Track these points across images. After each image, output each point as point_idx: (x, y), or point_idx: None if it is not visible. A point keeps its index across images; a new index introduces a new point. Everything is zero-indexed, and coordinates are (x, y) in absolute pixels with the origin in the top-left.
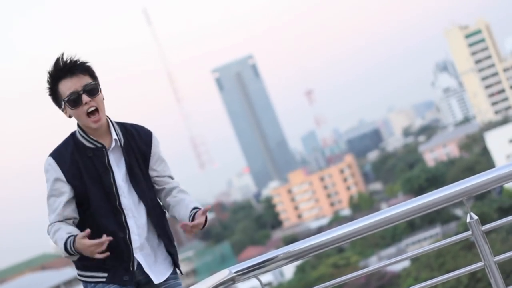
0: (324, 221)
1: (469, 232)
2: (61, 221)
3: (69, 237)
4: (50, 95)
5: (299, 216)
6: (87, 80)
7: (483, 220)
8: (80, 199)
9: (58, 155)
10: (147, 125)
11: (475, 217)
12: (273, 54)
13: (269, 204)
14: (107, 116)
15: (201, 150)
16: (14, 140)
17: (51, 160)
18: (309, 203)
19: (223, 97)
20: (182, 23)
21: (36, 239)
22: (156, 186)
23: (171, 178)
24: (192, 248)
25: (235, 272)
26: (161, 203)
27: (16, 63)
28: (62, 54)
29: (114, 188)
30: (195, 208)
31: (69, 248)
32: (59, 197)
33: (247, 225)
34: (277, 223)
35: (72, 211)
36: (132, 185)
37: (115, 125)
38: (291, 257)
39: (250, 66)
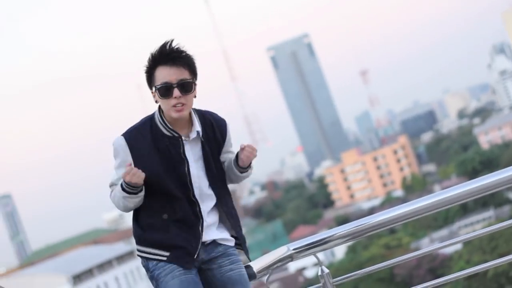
0: (376, 202)
1: None
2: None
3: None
4: (146, 73)
5: (351, 196)
6: (185, 75)
7: None
8: (155, 185)
9: (130, 136)
10: (203, 104)
11: None
12: (328, 33)
13: (322, 184)
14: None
15: (255, 129)
16: (65, 122)
17: (122, 140)
18: (362, 183)
19: (278, 76)
20: (238, 2)
21: (89, 214)
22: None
23: (232, 152)
24: (244, 226)
25: (293, 249)
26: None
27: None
28: (172, 41)
29: (188, 179)
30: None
31: (124, 186)
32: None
33: (299, 204)
34: (329, 202)
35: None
36: (206, 174)
37: (196, 115)
38: (348, 236)
39: (306, 45)
